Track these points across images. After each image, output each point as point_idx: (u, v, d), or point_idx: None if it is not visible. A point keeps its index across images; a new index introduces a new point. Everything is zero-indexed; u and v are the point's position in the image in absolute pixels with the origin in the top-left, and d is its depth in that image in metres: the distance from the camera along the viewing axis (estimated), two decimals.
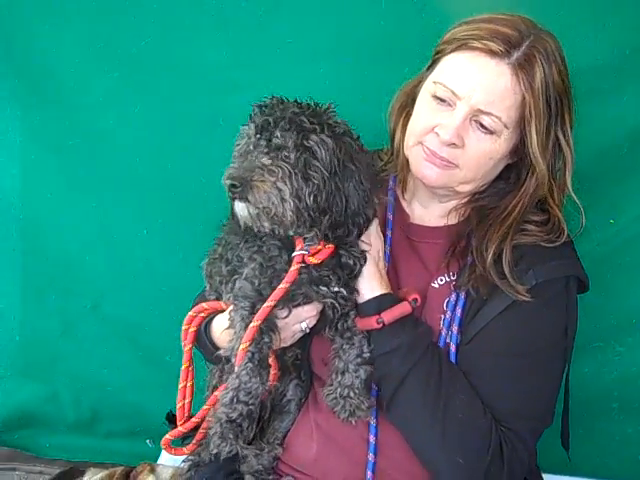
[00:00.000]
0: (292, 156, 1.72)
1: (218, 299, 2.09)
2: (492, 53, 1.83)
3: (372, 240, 1.95)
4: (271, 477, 2.09)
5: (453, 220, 2.10)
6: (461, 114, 1.87)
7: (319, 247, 1.86)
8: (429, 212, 2.14)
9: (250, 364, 1.86)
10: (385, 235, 2.09)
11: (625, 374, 2.68)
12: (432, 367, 1.92)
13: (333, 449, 2.05)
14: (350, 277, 1.92)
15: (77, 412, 3.35)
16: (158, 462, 3.06)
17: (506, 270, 1.91)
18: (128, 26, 2.77)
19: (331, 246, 1.86)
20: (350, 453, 2.02)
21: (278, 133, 1.72)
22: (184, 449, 2.14)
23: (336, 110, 1.88)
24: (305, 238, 1.85)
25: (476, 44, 1.85)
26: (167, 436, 2.12)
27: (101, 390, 3.29)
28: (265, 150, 1.74)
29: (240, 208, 1.77)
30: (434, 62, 1.99)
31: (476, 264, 1.96)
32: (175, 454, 2.16)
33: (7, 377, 3.36)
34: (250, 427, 1.93)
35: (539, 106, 1.86)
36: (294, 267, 1.84)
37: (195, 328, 2.11)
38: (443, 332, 1.99)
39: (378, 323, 1.91)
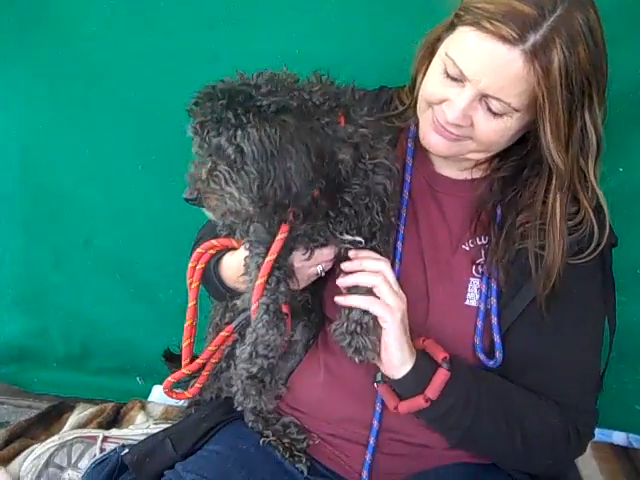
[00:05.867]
0: (230, 153, 1.64)
1: (229, 236, 2.03)
2: (503, 38, 1.68)
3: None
4: (271, 416, 2.06)
5: (477, 174, 2.02)
6: (468, 96, 1.76)
7: None
8: (449, 164, 2.04)
9: (266, 316, 1.83)
10: (404, 180, 2.00)
11: (626, 324, 2.61)
12: (491, 403, 1.88)
13: (341, 391, 2.02)
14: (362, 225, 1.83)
15: (67, 347, 3.34)
16: (149, 399, 3.11)
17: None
18: None
19: None
20: (358, 396, 1.99)
21: (212, 134, 1.65)
22: (186, 393, 2.08)
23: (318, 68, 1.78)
24: None
25: (487, 25, 1.68)
26: (169, 379, 2.03)
27: (92, 326, 3.28)
28: (207, 154, 1.67)
29: (206, 213, 1.75)
30: (452, 24, 1.82)
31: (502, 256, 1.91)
32: (177, 398, 2.08)
33: None
34: (273, 381, 1.89)
35: (556, 97, 1.71)
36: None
37: (203, 265, 2.03)
38: (482, 306, 1.93)
39: (427, 402, 1.83)
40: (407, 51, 2.08)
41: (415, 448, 1.99)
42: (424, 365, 1.84)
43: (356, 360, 1.83)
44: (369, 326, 1.82)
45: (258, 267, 1.84)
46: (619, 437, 2.93)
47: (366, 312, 1.81)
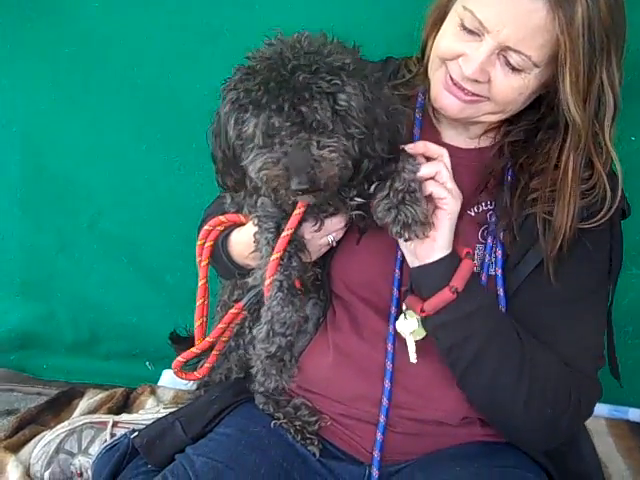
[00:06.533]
0: (329, 124, 1.58)
1: (238, 212, 1.99)
2: None
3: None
4: (282, 398, 2.03)
5: (485, 143, 1.98)
6: (487, 49, 1.72)
7: None
8: (458, 133, 2.00)
9: (280, 293, 1.79)
10: None
11: None
12: (510, 328, 1.83)
13: (350, 369, 1.99)
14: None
15: (75, 333, 3.31)
16: (159, 384, 3.09)
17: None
18: None
19: None
20: (367, 373, 1.96)
21: (318, 109, 1.56)
22: (195, 373, 2.06)
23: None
24: None
25: None
26: (179, 358, 2.01)
27: (99, 310, 3.25)
28: (305, 135, 1.58)
29: (311, 199, 1.70)
30: None
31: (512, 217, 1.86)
32: (186, 379, 2.07)
33: (3, 297, 3.30)
34: (293, 359, 1.85)
35: (578, 48, 1.67)
36: None
37: (211, 243, 2.01)
38: (486, 259, 1.89)
39: (453, 292, 1.75)
40: (415, 22, 2.03)
41: (428, 426, 1.96)
42: (455, 257, 1.78)
43: (405, 236, 1.72)
44: (417, 195, 1.70)
45: (268, 243, 1.81)
46: (635, 414, 2.93)
47: (412, 180, 1.71)
